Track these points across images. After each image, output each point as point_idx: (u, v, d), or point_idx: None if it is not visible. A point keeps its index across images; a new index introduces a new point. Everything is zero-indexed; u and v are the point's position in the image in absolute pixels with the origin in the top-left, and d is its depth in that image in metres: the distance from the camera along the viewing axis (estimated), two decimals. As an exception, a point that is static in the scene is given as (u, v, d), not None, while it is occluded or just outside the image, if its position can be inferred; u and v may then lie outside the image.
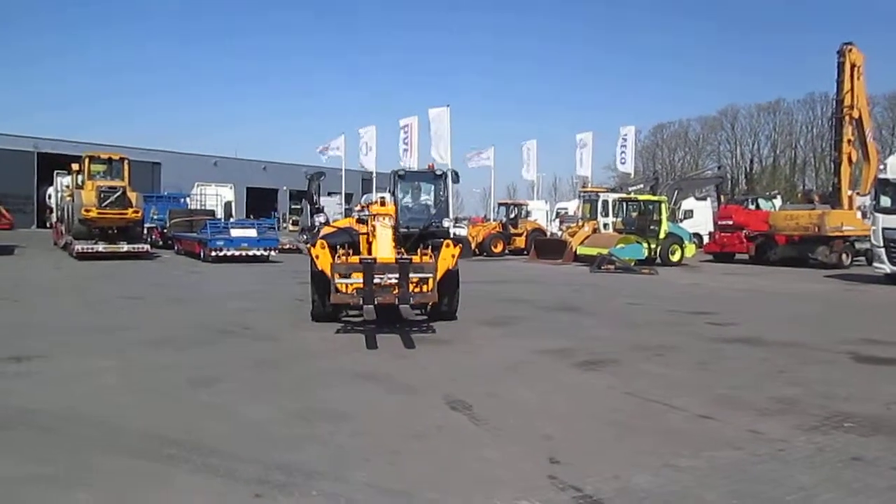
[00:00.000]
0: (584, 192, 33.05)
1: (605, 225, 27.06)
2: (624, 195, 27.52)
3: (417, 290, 8.23)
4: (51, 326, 8.86)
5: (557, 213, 39.81)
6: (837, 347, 8.07)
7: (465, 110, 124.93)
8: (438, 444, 4.49)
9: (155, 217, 28.53)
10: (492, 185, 46.96)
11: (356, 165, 43.01)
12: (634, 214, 24.22)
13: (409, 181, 12.13)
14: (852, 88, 23.52)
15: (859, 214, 23.76)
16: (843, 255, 22.41)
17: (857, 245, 22.53)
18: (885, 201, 16.80)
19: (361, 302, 7.97)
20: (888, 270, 16.42)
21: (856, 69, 23.57)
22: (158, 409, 5.20)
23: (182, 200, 32.79)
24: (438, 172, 11.82)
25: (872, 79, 25.72)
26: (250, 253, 21.51)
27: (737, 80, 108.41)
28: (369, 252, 8.85)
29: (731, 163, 73.57)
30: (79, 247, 20.89)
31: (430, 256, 8.60)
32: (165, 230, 27.62)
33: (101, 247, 20.98)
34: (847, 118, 23.78)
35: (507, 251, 28.21)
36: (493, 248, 27.65)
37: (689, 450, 4.35)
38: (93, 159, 22.93)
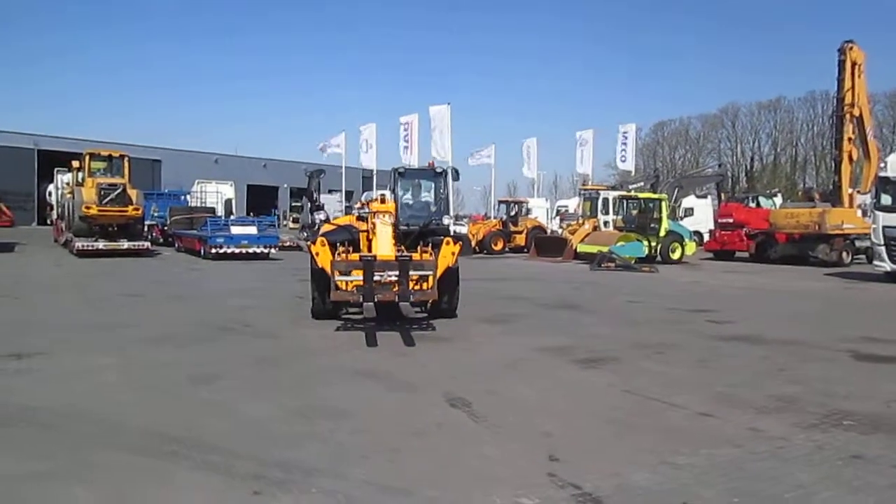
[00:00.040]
0: (585, 189, 33.08)
1: (606, 223, 27.07)
2: (624, 193, 27.50)
3: (417, 287, 8.24)
4: (51, 323, 8.88)
5: (558, 211, 39.81)
6: (837, 345, 8.07)
7: (466, 108, 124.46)
8: (438, 442, 4.50)
9: (155, 214, 28.52)
10: (492, 183, 46.95)
11: (356, 163, 43.01)
12: (635, 212, 24.20)
13: (410, 179, 12.12)
14: (853, 86, 23.50)
15: (860, 212, 23.75)
16: (844, 254, 22.40)
17: (858, 243, 22.52)
18: (886, 199, 16.78)
19: (361, 299, 7.98)
20: (888, 268, 16.41)
21: (856, 67, 23.55)
22: (159, 406, 5.21)
23: (182, 198, 32.78)
24: (439, 170, 11.81)
25: (873, 77, 25.68)
26: (250, 250, 21.53)
27: (737, 77, 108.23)
28: (369, 249, 8.86)
29: (732, 161, 73.48)
30: (79, 244, 20.90)
31: (430, 254, 8.60)
32: (166, 227, 27.62)
33: (101, 244, 20.99)
34: (848, 116, 23.77)
35: (507, 249, 28.20)
36: (493, 245, 27.65)
37: (688, 447, 4.35)
38: (93, 156, 22.94)
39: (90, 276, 15.53)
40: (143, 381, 5.98)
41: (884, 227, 16.47)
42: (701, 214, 32.84)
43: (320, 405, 5.30)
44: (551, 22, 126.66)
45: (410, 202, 11.71)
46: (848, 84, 23.46)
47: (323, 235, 9.29)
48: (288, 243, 26.01)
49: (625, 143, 41.56)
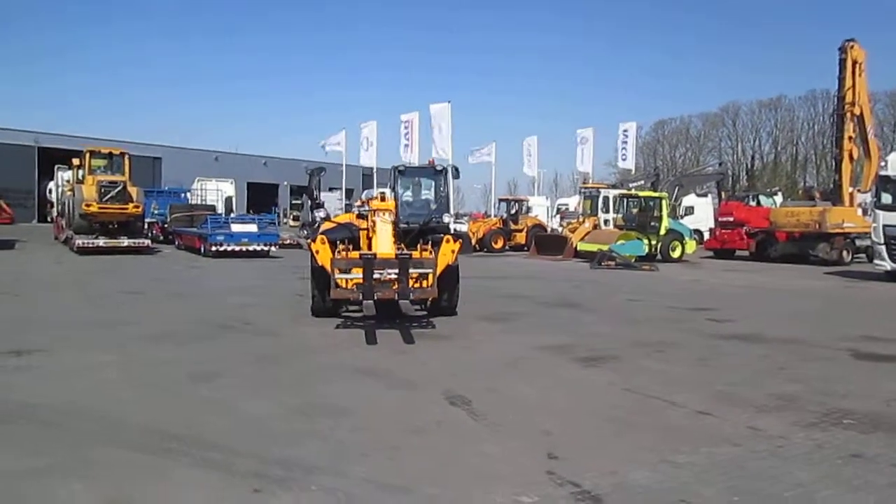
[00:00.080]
0: (585, 188, 33.05)
1: (606, 221, 27.06)
2: (625, 191, 27.49)
3: (417, 285, 8.24)
4: (51, 321, 8.88)
5: (558, 210, 39.74)
6: (837, 344, 8.07)
7: (467, 106, 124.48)
8: (438, 440, 4.50)
9: (155, 212, 28.51)
10: (492, 181, 46.84)
11: (357, 161, 42.99)
12: (635, 211, 24.20)
13: (410, 177, 12.11)
14: (854, 85, 23.48)
15: (860, 211, 23.73)
16: (844, 252, 22.39)
17: (858, 242, 22.52)
18: (886, 198, 16.77)
19: (361, 297, 7.98)
20: (888, 267, 16.41)
21: (857, 66, 23.53)
22: (159, 403, 5.21)
23: (182, 195, 32.76)
24: (439, 168, 11.79)
25: (874, 75, 25.68)
26: (251, 248, 21.53)
27: (738, 76, 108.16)
28: (369, 247, 8.86)
29: (733, 159, 73.40)
30: (79, 241, 20.90)
31: (430, 252, 8.60)
32: (166, 225, 27.61)
33: (101, 241, 21.00)
34: (848, 115, 23.75)
35: (507, 247, 28.22)
36: (493, 244, 27.66)
37: (687, 446, 4.35)
38: (93, 154, 22.93)
39: (90, 274, 15.53)
40: (143, 379, 5.98)
41: (884, 226, 16.45)
42: (701, 213, 32.82)
43: (320, 403, 5.30)
44: (552, 20, 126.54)
45: (410, 200, 11.69)
46: (849, 83, 23.45)
47: (323, 233, 9.29)
48: (288, 241, 26.01)
49: (625, 142, 41.54)
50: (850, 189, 24.67)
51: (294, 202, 61.75)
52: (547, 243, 25.30)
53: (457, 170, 11.90)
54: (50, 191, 37.39)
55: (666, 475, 3.89)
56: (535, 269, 19.48)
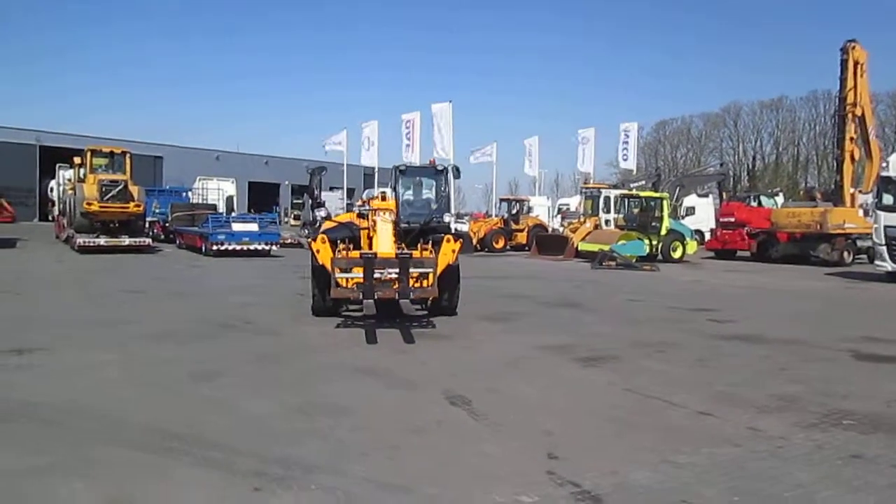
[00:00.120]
0: (586, 188, 33.04)
1: (607, 221, 27.02)
2: (626, 192, 27.48)
3: (417, 284, 8.24)
4: (53, 320, 8.89)
5: (559, 210, 39.75)
6: (838, 345, 8.07)
7: (468, 106, 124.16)
8: (438, 439, 4.50)
9: (157, 211, 28.53)
10: (493, 181, 46.87)
11: (358, 160, 43.01)
12: (636, 211, 24.20)
13: (411, 176, 12.08)
14: (855, 86, 23.44)
15: (861, 212, 23.69)
16: (845, 253, 22.38)
17: (859, 243, 22.50)
18: (888, 199, 16.75)
19: (361, 296, 7.99)
20: (890, 268, 16.40)
21: (859, 66, 23.49)
22: (160, 402, 5.22)
23: (184, 194, 32.76)
24: (440, 168, 11.77)
25: (875, 76, 25.60)
26: (252, 247, 21.54)
27: (739, 77, 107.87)
28: (370, 247, 8.86)
29: (734, 160, 73.28)
30: (80, 240, 20.91)
31: (431, 251, 8.60)
32: (167, 224, 27.61)
33: (102, 240, 21.00)
34: (850, 116, 23.71)
35: (508, 247, 28.22)
36: (494, 243, 27.66)
37: (688, 446, 4.35)
38: (95, 153, 22.95)
39: (91, 273, 15.54)
40: (144, 378, 5.99)
41: (885, 227, 16.44)
42: (702, 213, 32.80)
43: (320, 402, 5.31)
44: (552, 20, 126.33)
45: (411, 200, 11.68)
46: (850, 83, 23.40)
47: (324, 233, 9.29)
48: (289, 240, 26.02)
49: (626, 142, 41.56)
50: (852, 190, 24.62)
51: (295, 201, 61.68)
52: (548, 243, 25.30)
53: (458, 169, 11.88)
54: (51, 189, 37.39)
55: (666, 475, 3.89)
56: (536, 269, 19.47)
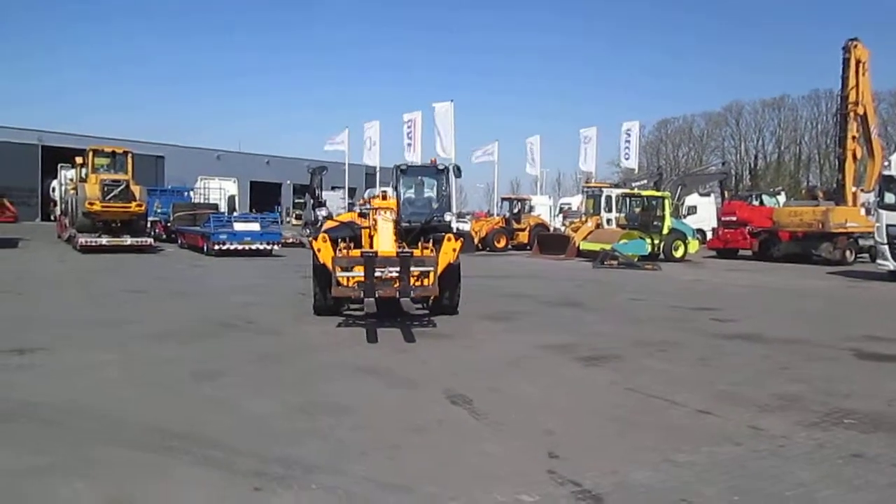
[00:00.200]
0: (588, 187, 33.00)
1: (609, 220, 27.00)
2: (628, 191, 27.45)
3: (418, 283, 8.24)
4: (54, 319, 8.89)
5: (561, 209, 39.70)
6: (840, 344, 8.05)
7: (469, 106, 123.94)
8: (438, 439, 4.50)
9: (158, 210, 28.54)
10: (495, 181, 46.77)
11: (360, 160, 43.00)
12: (638, 210, 24.17)
13: (412, 176, 12.08)
14: (857, 85, 23.42)
15: (863, 211, 23.66)
16: (847, 252, 22.35)
17: (861, 242, 22.48)
18: (890, 198, 16.72)
19: (362, 295, 7.99)
20: (891, 267, 16.38)
21: (861, 65, 23.47)
22: (161, 402, 5.22)
23: (185, 194, 32.76)
24: (441, 167, 11.77)
25: (877, 75, 25.60)
26: (253, 247, 21.55)
27: (741, 76, 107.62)
28: (371, 246, 8.86)
29: (736, 159, 73.23)
30: (82, 240, 20.93)
31: (431, 250, 8.60)
32: (169, 224, 27.63)
33: (104, 240, 21.02)
34: (852, 114, 23.69)
35: (510, 246, 28.21)
36: (496, 243, 27.65)
37: (689, 445, 4.35)
38: (97, 153, 22.97)
39: (93, 272, 15.56)
40: (146, 378, 5.99)
41: (887, 226, 16.42)
42: (704, 212, 32.78)
43: (321, 401, 5.31)
44: (552, 20, 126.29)
45: (412, 199, 11.68)
46: (852, 82, 23.39)
47: (325, 232, 9.30)
48: (291, 240, 26.02)
49: (628, 141, 41.45)
50: (854, 189, 24.61)
51: (297, 201, 61.76)
52: (549, 242, 25.28)
53: (459, 169, 11.88)
54: (53, 189, 37.44)
55: (667, 474, 3.88)
56: (538, 269, 19.46)
